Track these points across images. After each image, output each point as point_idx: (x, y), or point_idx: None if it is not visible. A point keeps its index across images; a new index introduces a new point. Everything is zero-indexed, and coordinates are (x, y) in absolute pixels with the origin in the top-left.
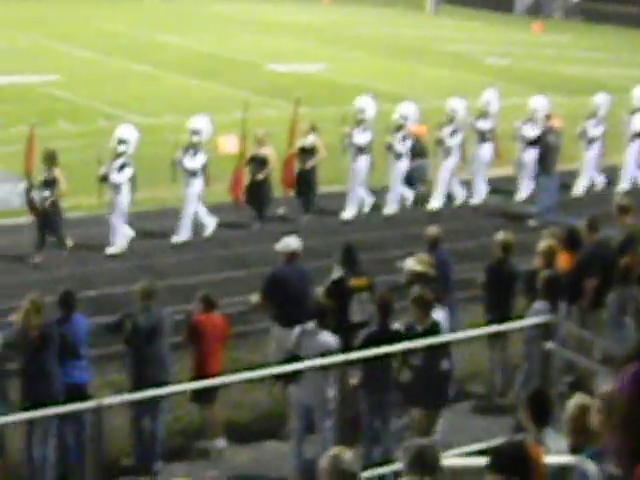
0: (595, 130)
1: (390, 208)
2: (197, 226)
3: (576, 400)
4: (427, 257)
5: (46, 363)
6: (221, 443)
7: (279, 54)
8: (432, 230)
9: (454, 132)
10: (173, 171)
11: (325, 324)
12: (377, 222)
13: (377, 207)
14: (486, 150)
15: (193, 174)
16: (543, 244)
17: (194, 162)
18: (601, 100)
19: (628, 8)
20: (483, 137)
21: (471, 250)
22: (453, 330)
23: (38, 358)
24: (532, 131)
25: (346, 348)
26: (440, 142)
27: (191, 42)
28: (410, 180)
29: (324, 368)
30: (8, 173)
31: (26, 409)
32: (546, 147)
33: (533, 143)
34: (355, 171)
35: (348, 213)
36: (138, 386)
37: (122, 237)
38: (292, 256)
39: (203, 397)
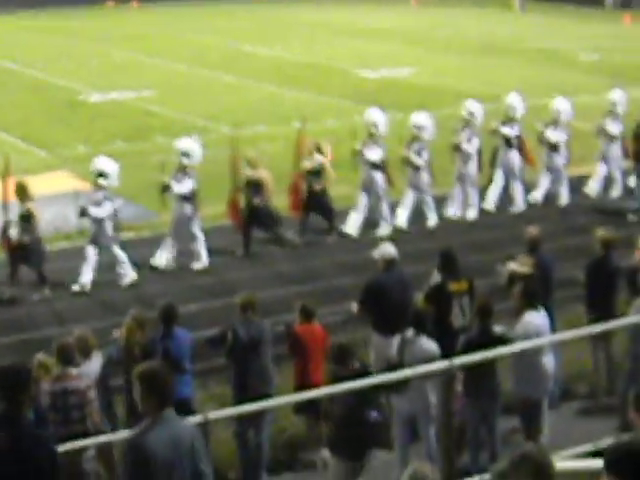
0: None
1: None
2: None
3: None
4: (529, 259)
5: None
6: (326, 453)
7: (368, 60)
8: (532, 231)
9: (471, 137)
10: (162, 196)
11: (424, 330)
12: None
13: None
14: (514, 156)
15: (184, 199)
16: None
17: (183, 187)
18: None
19: None
20: (509, 143)
21: (571, 248)
22: (555, 331)
23: None
24: (555, 135)
25: (448, 354)
26: (457, 147)
27: (279, 51)
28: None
29: (427, 376)
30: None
31: (131, 425)
32: None
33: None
34: (375, 187)
35: (383, 230)
36: (241, 399)
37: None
38: (390, 263)
39: (307, 408)
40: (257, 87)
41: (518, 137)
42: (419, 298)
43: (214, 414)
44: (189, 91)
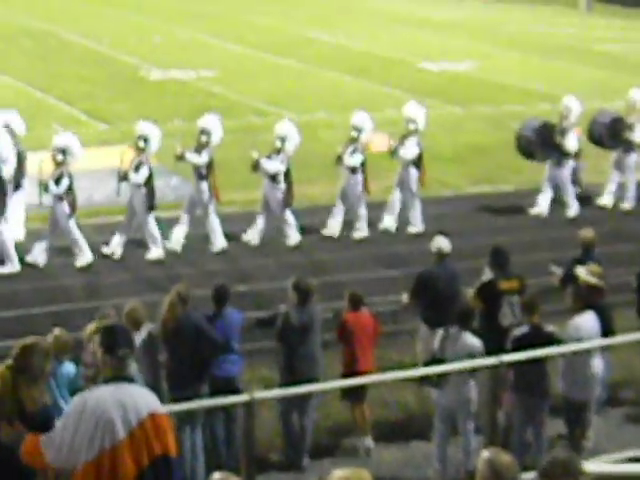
0: None
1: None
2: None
3: None
4: (599, 268)
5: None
6: (369, 442)
7: (430, 52)
8: (587, 234)
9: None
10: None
11: (469, 326)
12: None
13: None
14: (204, 187)
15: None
16: None
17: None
18: None
19: None
20: (199, 174)
21: (624, 254)
22: (605, 335)
23: (176, 350)
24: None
25: (496, 351)
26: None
27: (343, 38)
28: None
29: (473, 370)
30: (162, 167)
31: (175, 400)
32: None
33: None
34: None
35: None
36: (288, 382)
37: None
38: (442, 256)
39: (353, 395)
40: (319, 74)
41: (208, 165)
42: (469, 294)
43: (260, 394)
44: (250, 73)
